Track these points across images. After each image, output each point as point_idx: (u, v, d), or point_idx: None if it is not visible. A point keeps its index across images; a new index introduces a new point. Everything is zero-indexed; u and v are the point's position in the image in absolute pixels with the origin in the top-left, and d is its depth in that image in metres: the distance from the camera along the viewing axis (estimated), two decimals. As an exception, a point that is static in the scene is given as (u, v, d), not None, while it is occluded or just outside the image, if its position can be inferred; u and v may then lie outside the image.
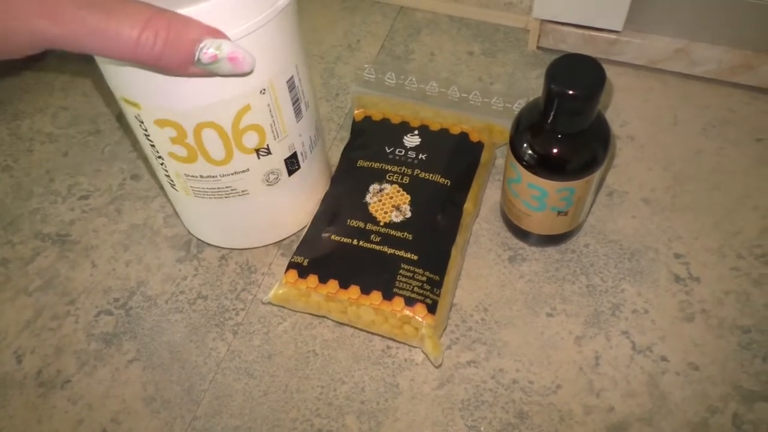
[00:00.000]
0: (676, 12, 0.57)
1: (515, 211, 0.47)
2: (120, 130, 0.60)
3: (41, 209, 0.55)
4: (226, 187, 0.42)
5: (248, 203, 0.44)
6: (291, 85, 0.40)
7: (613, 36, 0.60)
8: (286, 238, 0.51)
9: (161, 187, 0.55)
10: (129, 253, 0.52)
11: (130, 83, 0.36)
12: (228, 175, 0.41)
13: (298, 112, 0.42)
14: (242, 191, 0.43)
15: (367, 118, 0.55)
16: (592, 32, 0.60)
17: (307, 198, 0.49)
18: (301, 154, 0.45)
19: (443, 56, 0.64)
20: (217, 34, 0.32)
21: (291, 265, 0.46)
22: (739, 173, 0.53)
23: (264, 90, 0.38)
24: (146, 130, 0.39)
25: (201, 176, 0.41)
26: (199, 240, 0.52)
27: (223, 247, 0.51)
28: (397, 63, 0.64)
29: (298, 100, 0.41)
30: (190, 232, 0.52)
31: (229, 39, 0.32)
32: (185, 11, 0.31)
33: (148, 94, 0.36)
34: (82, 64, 0.66)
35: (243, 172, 0.42)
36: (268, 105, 0.39)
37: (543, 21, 0.61)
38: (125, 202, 0.55)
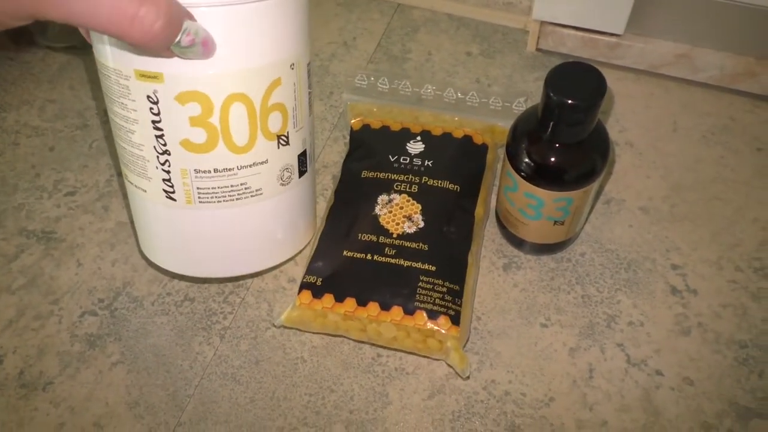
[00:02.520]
0: (679, 16, 0.56)
1: (511, 219, 0.46)
2: (107, 124, 0.59)
3: (26, 205, 0.54)
4: (241, 185, 0.40)
5: (259, 209, 0.41)
6: (309, 72, 0.40)
7: (614, 39, 0.59)
8: (279, 265, 0.48)
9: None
10: (115, 252, 0.51)
11: None
12: (246, 167, 0.39)
13: (310, 105, 0.42)
14: (256, 190, 0.40)
15: (366, 127, 0.53)
16: (592, 35, 0.59)
17: (307, 214, 0.47)
18: (309, 156, 0.43)
19: (441, 56, 0.63)
20: (192, 16, 0.31)
21: (304, 286, 0.44)
22: (740, 183, 0.52)
23: (293, 65, 0.38)
24: (158, 113, 0.36)
25: (215, 170, 0.38)
26: (166, 271, 0.48)
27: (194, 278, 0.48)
28: (391, 66, 0.62)
29: (310, 92, 0.41)
30: (151, 263, 0.48)
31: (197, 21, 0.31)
32: None
33: (176, 61, 0.33)
34: (69, 56, 0.65)
35: (262, 164, 0.39)
36: (294, 84, 0.39)
37: (543, 22, 0.60)
38: (112, 200, 0.54)
